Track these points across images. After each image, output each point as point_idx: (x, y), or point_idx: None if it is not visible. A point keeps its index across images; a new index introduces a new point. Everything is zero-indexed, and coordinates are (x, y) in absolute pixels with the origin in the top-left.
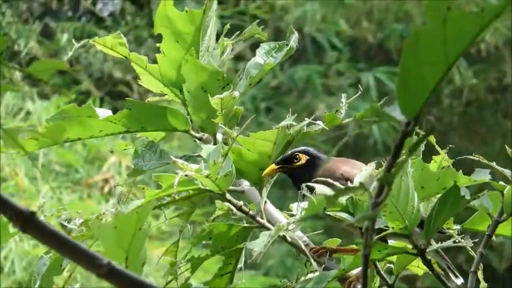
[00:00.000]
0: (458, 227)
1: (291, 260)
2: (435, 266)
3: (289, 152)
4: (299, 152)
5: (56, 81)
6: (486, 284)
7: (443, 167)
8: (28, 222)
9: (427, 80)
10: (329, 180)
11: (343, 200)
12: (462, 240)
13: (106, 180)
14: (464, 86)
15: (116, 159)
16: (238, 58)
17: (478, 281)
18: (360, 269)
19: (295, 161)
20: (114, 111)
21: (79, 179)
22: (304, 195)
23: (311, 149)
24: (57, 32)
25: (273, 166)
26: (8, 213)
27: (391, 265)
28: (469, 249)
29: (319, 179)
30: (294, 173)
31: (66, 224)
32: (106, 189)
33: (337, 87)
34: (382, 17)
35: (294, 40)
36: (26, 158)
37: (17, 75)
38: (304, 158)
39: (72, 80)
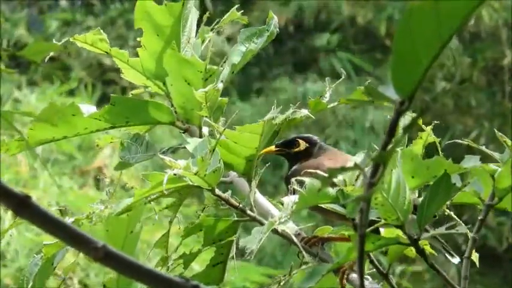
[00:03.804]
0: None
1: (282, 253)
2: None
3: (292, 137)
4: (301, 138)
5: (46, 68)
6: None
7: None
8: (23, 206)
9: (421, 58)
10: (318, 171)
11: (333, 191)
12: (458, 221)
13: (100, 169)
14: (457, 67)
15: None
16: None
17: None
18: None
19: (294, 146)
20: (105, 97)
21: (76, 166)
22: (294, 190)
23: (313, 137)
24: (45, 19)
25: (272, 148)
26: (2, 197)
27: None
28: (468, 233)
29: (306, 170)
30: (290, 157)
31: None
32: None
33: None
34: None
35: (274, 25)
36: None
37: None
38: (303, 145)
39: (62, 67)
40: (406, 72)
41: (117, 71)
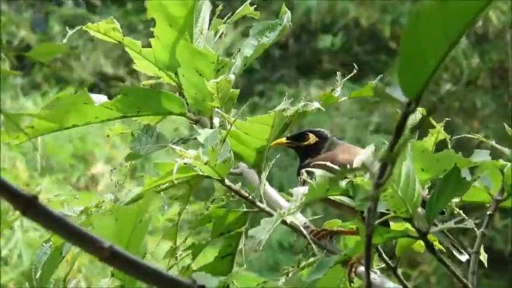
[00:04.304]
0: (457, 199)
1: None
2: (436, 243)
3: (302, 130)
4: (311, 132)
5: (47, 72)
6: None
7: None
8: (29, 206)
9: (428, 59)
10: (328, 163)
11: (343, 184)
12: (465, 218)
13: (93, 177)
14: (464, 68)
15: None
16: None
17: (480, 261)
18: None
19: (304, 140)
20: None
21: (68, 177)
22: (304, 181)
23: (324, 132)
24: (49, 19)
25: (283, 140)
26: (9, 197)
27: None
28: (475, 228)
29: (317, 162)
30: (300, 151)
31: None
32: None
33: None
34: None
35: (286, 19)
36: (25, 152)
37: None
38: (313, 139)
39: (58, 78)
40: (413, 73)
41: (120, 79)
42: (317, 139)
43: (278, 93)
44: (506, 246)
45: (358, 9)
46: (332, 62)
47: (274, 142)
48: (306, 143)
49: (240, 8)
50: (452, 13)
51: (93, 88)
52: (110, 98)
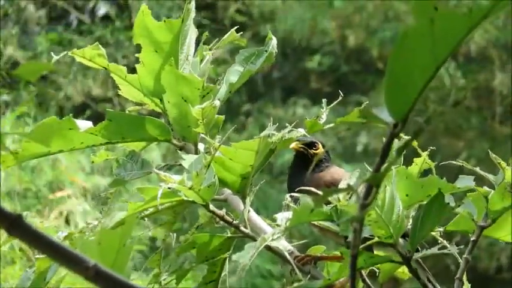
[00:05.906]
0: (441, 229)
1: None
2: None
3: (312, 139)
4: (321, 143)
5: (32, 90)
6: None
7: (425, 170)
8: (14, 225)
9: (416, 81)
10: (312, 189)
11: (327, 209)
12: (448, 245)
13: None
14: (451, 88)
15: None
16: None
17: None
18: (344, 277)
19: (314, 148)
20: (95, 118)
21: (40, 202)
22: (288, 205)
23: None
24: (35, 38)
25: (298, 144)
26: None
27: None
28: (457, 256)
29: (302, 188)
30: (305, 157)
31: None
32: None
33: None
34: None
35: (273, 46)
36: None
37: None
38: (321, 151)
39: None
40: (400, 94)
41: (108, 100)
42: (324, 152)
43: (265, 114)
44: (491, 265)
45: (345, 30)
46: (319, 82)
47: (291, 146)
48: (315, 151)
49: (226, 35)
50: (439, 34)
51: (82, 106)
52: (99, 117)
